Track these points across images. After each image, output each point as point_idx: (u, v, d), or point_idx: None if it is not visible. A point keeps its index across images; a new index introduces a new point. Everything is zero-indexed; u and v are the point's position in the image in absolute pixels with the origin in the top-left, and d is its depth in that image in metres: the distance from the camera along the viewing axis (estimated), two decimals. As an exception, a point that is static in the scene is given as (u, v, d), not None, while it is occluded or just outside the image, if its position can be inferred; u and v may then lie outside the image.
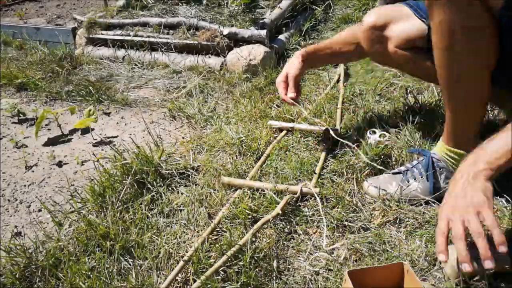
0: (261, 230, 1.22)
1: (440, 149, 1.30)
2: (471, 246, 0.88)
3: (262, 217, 1.25)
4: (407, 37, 1.32)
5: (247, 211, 1.25)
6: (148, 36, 2.56)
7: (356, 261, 1.13)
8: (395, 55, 1.36)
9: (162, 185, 1.42)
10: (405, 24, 1.33)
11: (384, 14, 1.37)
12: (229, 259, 1.10)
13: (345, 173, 1.41)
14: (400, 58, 1.37)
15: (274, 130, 1.71)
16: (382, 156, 1.43)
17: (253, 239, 1.18)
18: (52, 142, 1.90)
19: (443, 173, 1.30)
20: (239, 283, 1.05)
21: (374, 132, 1.55)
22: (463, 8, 1.00)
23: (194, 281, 1.07)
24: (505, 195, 1.27)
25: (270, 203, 1.29)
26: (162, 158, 1.50)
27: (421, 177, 1.31)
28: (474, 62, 1.07)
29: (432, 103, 1.72)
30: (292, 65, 1.51)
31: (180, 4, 2.80)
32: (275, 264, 1.12)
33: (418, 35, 1.30)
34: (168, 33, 2.56)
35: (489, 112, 1.68)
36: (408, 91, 1.87)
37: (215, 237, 1.22)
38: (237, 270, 1.09)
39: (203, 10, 2.67)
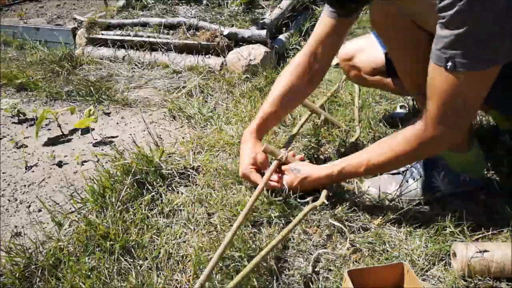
0: (262, 230, 1.22)
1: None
2: None
3: (262, 218, 1.26)
4: (373, 65, 1.49)
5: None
6: (148, 36, 2.56)
7: (356, 261, 1.13)
8: (367, 80, 1.55)
9: (162, 185, 1.42)
10: (370, 54, 1.50)
11: (352, 47, 1.57)
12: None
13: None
14: (372, 83, 1.56)
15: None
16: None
17: (253, 239, 1.18)
18: (52, 142, 1.90)
19: (442, 172, 1.30)
20: (239, 283, 1.05)
21: (404, 107, 1.74)
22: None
23: (194, 281, 1.07)
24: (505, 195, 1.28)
25: (271, 203, 1.28)
26: (162, 158, 1.50)
27: (420, 177, 1.31)
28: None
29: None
30: (252, 150, 1.35)
31: (180, 4, 2.80)
32: (275, 264, 1.12)
33: (382, 63, 1.46)
34: (168, 33, 2.56)
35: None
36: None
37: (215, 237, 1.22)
38: (237, 270, 1.09)
39: (203, 10, 2.68)
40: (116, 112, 2.10)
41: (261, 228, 1.24)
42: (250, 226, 1.23)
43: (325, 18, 1.30)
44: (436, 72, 0.99)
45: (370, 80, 1.54)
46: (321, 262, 1.13)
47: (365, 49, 1.53)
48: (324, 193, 1.26)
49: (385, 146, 1.17)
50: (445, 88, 0.98)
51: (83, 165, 1.70)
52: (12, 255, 1.17)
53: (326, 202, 1.25)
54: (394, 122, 1.65)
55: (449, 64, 0.94)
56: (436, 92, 1.01)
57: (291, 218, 1.26)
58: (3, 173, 1.69)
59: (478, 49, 0.91)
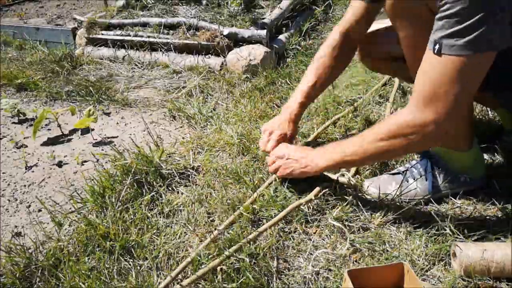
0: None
1: (438, 149, 1.30)
2: None
3: (262, 218, 1.26)
4: (390, 49, 1.41)
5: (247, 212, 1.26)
6: (148, 36, 2.56)
7: (356, 261, 1.13)
8: (382, 64, 1.51)
9: (162, 185, 1.42)
10: (387, 37, 1.43)
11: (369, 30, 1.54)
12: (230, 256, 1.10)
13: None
14: (386, 68, 1.54)
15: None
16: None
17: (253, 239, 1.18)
18: (52, 142, 1.90)
19: (442, 172, 1.30)
20: (239, 283, 1.05)
21: None
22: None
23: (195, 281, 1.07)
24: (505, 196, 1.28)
25: (268, 203, 1.29)
26: (162, 158, 1.50)
27: (420, 177, 1.31)
28: None
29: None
30: (282, 123, 1.47)
31: (180, 4, 2.80)
32: (275, 264, 1.12)
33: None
34: (168, 33, 2.56)
35: (489, 112, 1.69)
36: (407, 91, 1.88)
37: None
38: (237, 269, 1.09)
39: (203, 10, 2.67)
40: (116, 112, 2.10)
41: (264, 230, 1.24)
42: (250, 226, 1.23)
43: (356, 2, 1.36)
44: (426, 55, 0.99)
45: (385, 64, 1.52)
46: (321, 262, 1.13)
47: (383, 32, 1.50)
48: (315, 190, 1.28)
49: (371, 136, 1.14)
50: (432, 71, 0.98)
51: (83, 165, 1.70)
52: (12, 255, 1.17)
53: (313, 199, 1.26)
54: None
55: (436, 47, 0.94)
56: (423, 75, 1.01)
57: (291, 218, 1.27)
58: (3, 173, 1.69)
59: (466, 33, 0.90)
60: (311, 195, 1.28)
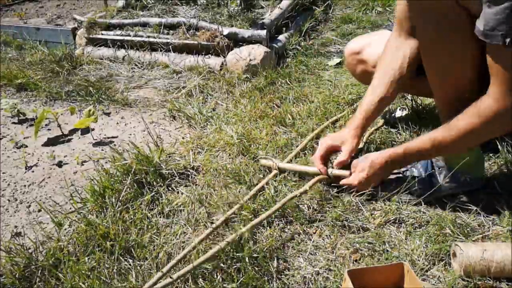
0: (261, 230, 1.22)
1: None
2: None
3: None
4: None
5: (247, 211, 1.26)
6: (148, 36, 2.56)
7: (356, 261, 1.13)
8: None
9: (162, 185, 1.42)
10: (379, 47, 1.43)
11: (360, 41, 1.60)
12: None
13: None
14: None
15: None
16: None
17: (254, 239, 1.18)
18: (52, 142, 1.90)
19: (442, 172, 1.30)
20: (239, 283, 1.05)
21: (404, 109, 1.72)
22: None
23: (194, 281, 1.07)
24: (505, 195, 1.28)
25: (268, 202, 1.29)
26: (162, 158, 1.50)
27: (420, 177, 1.31)
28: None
29: (430, 104, 1.72)
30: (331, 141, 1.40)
31: (179, 4, 2.80)
32: (275, 264, 1.12)
33: None
34: (168, 33, 2.56)
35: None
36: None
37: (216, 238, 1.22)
38: (237, 269, 1.09)
39: (203, 10, 2.67)
40: (116, 112, 2.10)
41: (261, 228, 1.24)
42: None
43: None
44: (494, 51, 0.99)
45: None
46: (321, 262, 1.13)
47: (373, 43, 1.54)
48: (312, 180, 1.28)
49: (454, 123, 1.12)
50: (509, 64, 0.98)
51: (83, 165, 1.70)
52: (12, 255, 1.17)
53: (308, 189, 1.27)
54: (394, 123, 1.65)
55: (508, 40, 0.94)
56: (501, 70, 1.00)
57: (291, 218, 1.27)
58: (3, 173, 1.69)
59: None
60: (306, 187, 1.29)
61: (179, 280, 1.08)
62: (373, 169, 1.26)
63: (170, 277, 1.05)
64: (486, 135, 1.17)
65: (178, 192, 1.41)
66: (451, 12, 1.06)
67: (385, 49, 1.37)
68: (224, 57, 2.37)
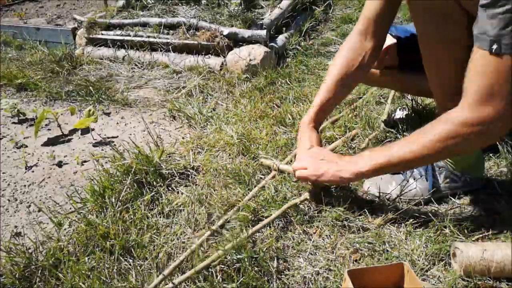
0: (261, 230, 1.22)
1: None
2: None
3: (262, 217, 1.26)
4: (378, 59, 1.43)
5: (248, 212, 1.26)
6: (148, 36, 2.56)
7: (356, 261, 1.13)
8: (372, 76, 1.55)
9: (162, 185, 1.42)
10: None
11: None
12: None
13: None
14: (376, 78, 1.59)
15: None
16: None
17: (254, 238, 1.18)
18: (52, 142, 1.90)
19: (442, 172, 1.30)
20: (239, 283, 1.05)
21: (404, 109, 1.72)
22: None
23: (194, 281, 1.07)
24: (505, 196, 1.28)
25: (269, 202, 1.29)
26: (162, 158, 1.50)
27: (420, 177, 1.31)
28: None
29: (430, 104, 1.72)
30: (308, 141, 1.33)
31: (179, 4, 2.80)
32: (275, 264, 1.12)
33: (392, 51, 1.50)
34: (168, 33, 2.56)
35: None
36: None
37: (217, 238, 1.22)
38: (237, 269, 1.09)
39: (203, 10, 2.67)
40: (116, 112, 2.10)
41: (261, 228, 1.24)
42: (250, 226, 1.23)
43: None
44: (479, 55, 0.96)
45: (375, 75, 1.55)
46: (321, 262, 1.13)
47: None
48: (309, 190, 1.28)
49: (421, 137, 1.07)
50: (490, 71, 0.95)
51: (83, 165, 1.70)
52: (12, 255, 1.17)
53: (308, 198, 1.27)
54: (394, 123, 1.65)
55: (494, 47, 0.91)
56: (480, 75, 0.97)
57: (291, 218, 1.27)
58: (3, 173, 1.69)
59: None
60: (306, 195, 1.28)
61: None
62: (315, 164, 1.22)
63: (172, 283, 1.05)
64: (453, 153, 1.14)
65: (178, 192, 1.41)
66: (451, 13, 1.06)
67: (345, 47, 1.36)
68: (224, 57, 2.37)
